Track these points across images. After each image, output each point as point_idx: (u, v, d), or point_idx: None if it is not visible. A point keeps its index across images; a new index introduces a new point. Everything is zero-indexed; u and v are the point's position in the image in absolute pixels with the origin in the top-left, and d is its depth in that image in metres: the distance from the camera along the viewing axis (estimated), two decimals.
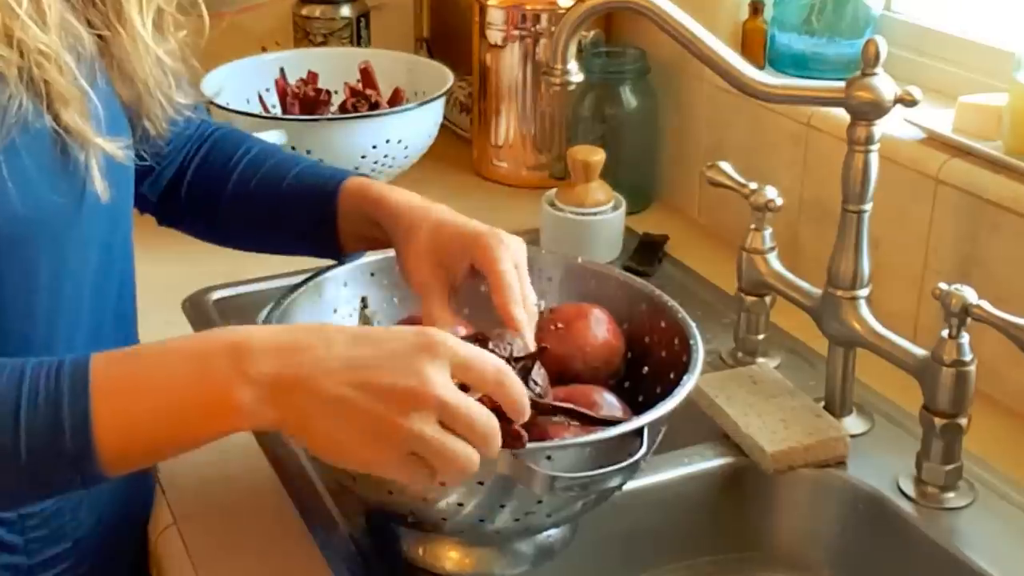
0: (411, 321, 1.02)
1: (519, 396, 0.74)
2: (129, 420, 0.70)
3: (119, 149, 0.81)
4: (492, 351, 0.80)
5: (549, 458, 0.80)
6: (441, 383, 0.70)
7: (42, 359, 0.71)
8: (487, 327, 1.04)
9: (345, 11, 1.84)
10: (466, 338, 0.80)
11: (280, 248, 1.07)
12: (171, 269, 1.31)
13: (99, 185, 0.80)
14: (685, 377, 0.89)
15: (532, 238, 1.42)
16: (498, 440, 0.73)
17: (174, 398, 0.70)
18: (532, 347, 0.87)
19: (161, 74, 0.87)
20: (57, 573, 0.90)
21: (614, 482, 0.83)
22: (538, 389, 0.84)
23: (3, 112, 0.73)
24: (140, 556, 1.00)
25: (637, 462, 0.82)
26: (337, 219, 1.00)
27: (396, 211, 0.96)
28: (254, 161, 1.04)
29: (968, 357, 0.96)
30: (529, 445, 0.82)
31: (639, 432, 0.83)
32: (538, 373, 0.85)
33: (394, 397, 0.69)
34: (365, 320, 1.02)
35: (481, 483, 0.81)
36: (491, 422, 0.72)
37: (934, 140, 1.19)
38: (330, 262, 1.02)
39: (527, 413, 0.75)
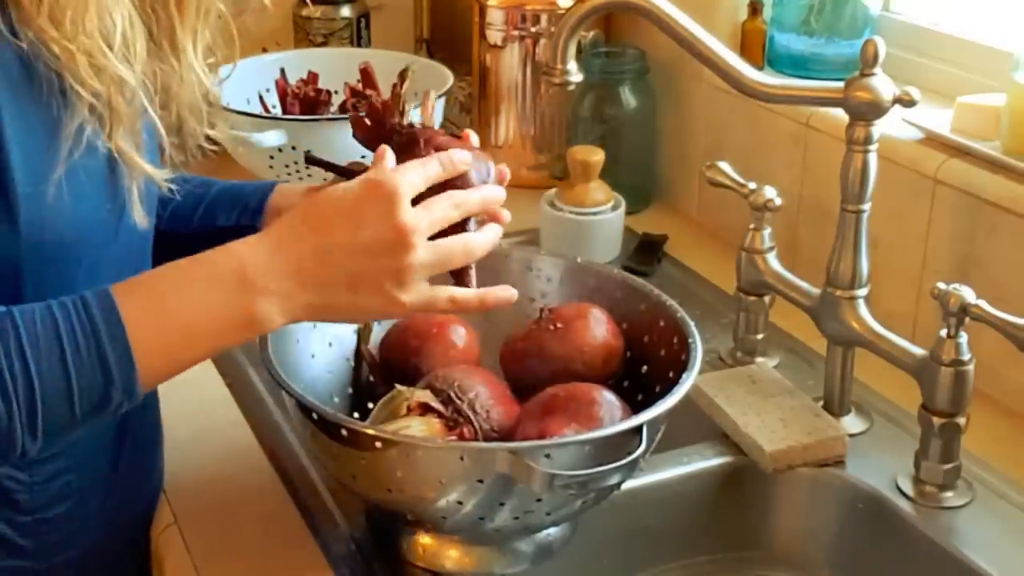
0: (411, 321, 1.02)
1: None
2: (162, 344, 0.77)
3: (164, 180, 0.85)
4: (454, 401, 0.88)
5: (548, 456, 0.80)
6: (412, 216, 0.80)
7: (62, 300, 0.75)
8: (485, 326, 1.04)
9: (345, 11, 1.84)
10: (427, 398, 0.88)
11: None
12: None
13: (137, 212, 0.83)
14: (684, 376, 0.89)
15: (532, 238, 1.42)
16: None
17: (202, 321, 0.78)
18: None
19: (201, 102, 0.88)
20: None
21: (613, 480, 0.83)
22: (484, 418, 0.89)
23: (76, 135, 0.76)
24: (146, 559, 1.00)
25: (636, 460, 0.83)
26: (262, 218, 1.01)
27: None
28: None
29: (966, 356, 0.96)
30: (528, 443, 0.83)
31: (638, 430, 0.84)
32: (486, 402, 0.89)
33: (383, 249, 0.79)
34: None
35: (480, 481, 0.81)
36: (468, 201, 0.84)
37: (932, 140, 1.19)
38: None
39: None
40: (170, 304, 0.77)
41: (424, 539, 0.93)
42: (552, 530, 0.94)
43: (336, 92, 1.60)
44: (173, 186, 0.87)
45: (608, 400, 0.90)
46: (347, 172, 0.89)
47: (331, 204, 0.81)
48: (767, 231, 1.15)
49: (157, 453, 1.00)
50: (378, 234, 0.79)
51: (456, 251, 0.83)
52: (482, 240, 0.85)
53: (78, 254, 0.81)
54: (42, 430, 0.73)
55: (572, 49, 1.12)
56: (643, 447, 0.83)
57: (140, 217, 0.83)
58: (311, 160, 0.95)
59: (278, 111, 1.59)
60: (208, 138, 0.93)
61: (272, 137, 1.42)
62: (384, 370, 1.01)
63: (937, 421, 0.98)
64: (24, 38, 0.74)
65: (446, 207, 0.83)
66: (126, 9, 0.78)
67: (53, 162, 0.76)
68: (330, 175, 0.95)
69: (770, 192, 1.15)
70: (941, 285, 0.96)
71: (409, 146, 0.87)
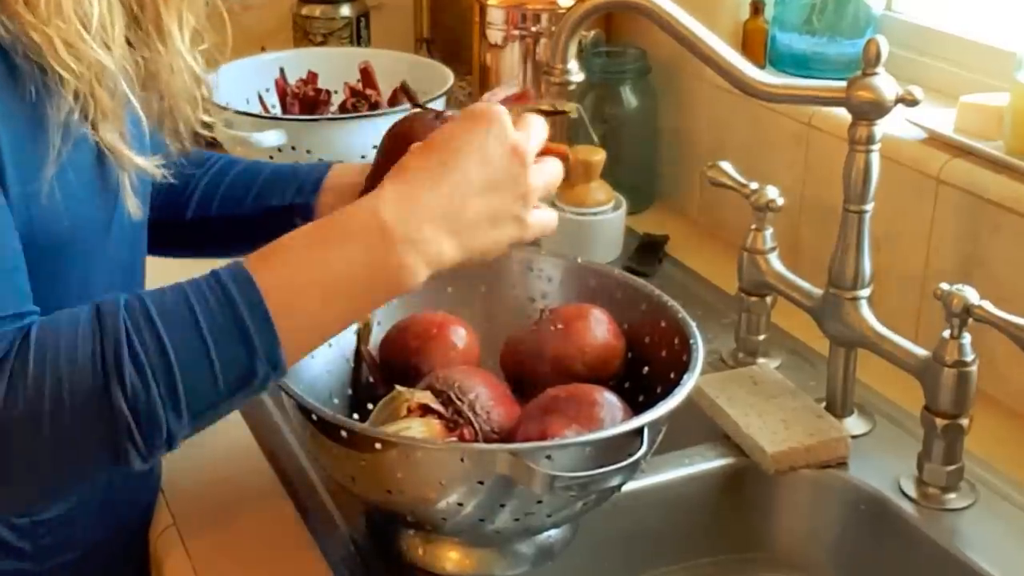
0: (411, 321, 1.02)
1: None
2: (304, 312, 0.75)
3: (155, 168, 0.84)
4: (455, 402, 0.88)
5: (549, 458, 0.80)
6: (521, 136, 0.81)
7: (192, 278, 0.74)
8: (485, 327, 1.04)
9: (345, 11, 1.83)
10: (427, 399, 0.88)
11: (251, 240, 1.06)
12: (171, 269, 1.30)
13: (131, 203, 0.82)
14: (685, 377, 0.89)
15: None
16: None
17: (344, 281, 0.76)
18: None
19: (193, 88, 0.88)
20: None
21: (614, 482, 0.83)
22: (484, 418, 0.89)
23: (62, 127, 0.75)
24: (145, 561, 1.00)
25: (637, 462, 0.82)
26: (318, 196, 1.01)
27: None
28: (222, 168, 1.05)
29: (970, 357, 0.96)
30: (529, 445, 0.82)
31: (639, 432, 0.83)
32: (487, 404, 0.89)
33: (512, 174, 0.80)
34: (364, 321, 1.02)
35: (481, 483, 0.81)
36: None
37: (935, 140, 1.18)
38: None
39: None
40: (307, 266, 0.75)
41: (424, 541, 0.93)
42: (553, 532, 0.94)
43: (336, 92, 1.60)
44: (167, 171, 0.85)
45: (609, 401, 0.90)
46: (429, 110, 0.93)
47: (450, 141, 0.80)
48: (769, 231, 1.15)
49: None
50: (502, 160, 0.80)
51: (555, 170, 0.86)
52: (560, 166, 0.87)
53: (72, 250, 0.80)
54: (187, 407, 0.71)
55: (573, 49, 1.11)
56: (644, 448, 0.82)
57: (134, 208, 0.82)
58: (405, 89, 0.99)
59: (278, 111, 1.58)
60: (203, 124, 0.93)
61: (272, 137, 1.41)
62: (384, 371, 1.01)
63: (940, 422, 0.97)
64: (1, 29, 0.73)
65: (537, 127, 0.85)
66: None
67: (42, 160, 0.75)
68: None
69: (772, 192, 1.14)
70: (944, 286, 0.95)
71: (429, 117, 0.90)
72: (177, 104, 0.87)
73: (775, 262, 1.15)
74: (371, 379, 1.01)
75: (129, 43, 0.83)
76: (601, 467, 0.81)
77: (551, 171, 0.85)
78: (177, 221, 1.04)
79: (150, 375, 0.70)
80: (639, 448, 0.82)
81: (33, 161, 0.75)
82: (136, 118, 0.84)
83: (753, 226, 1.15)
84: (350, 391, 1.01)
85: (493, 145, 0.80)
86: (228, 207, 1.02)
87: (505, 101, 0.88)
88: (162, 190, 0.93)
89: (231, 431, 1.09)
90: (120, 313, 0.71)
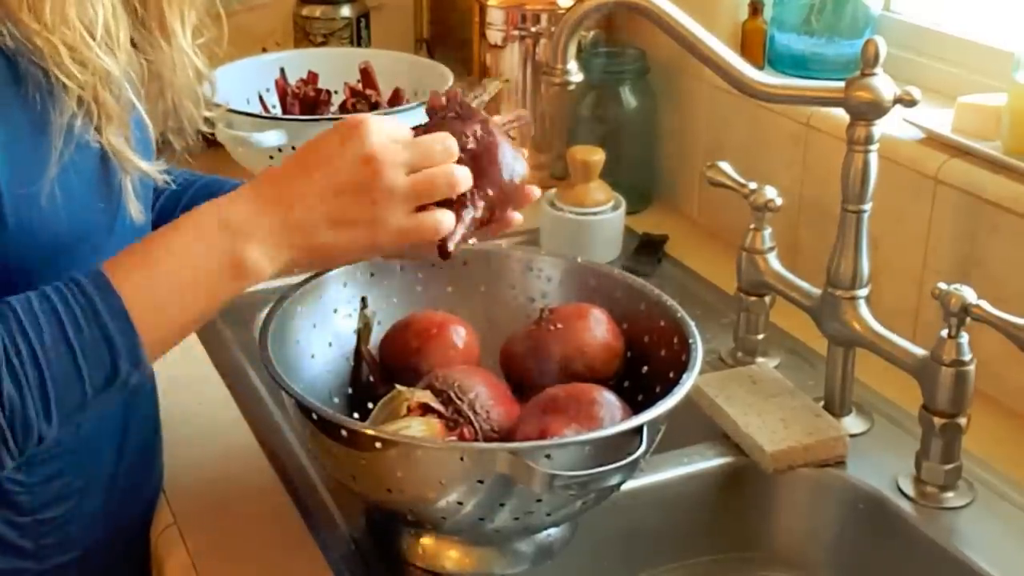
0: (411, 321, 1.02)
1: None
2: (160, 308, 0.78)
3: (158, 172, 0.85)
4: (455, 402, 0.88)
5: (548, 457, 0.80)
6: (381, 146, 0.81)
7: (54, 284, 0.76)
8: (485, 327, 1.04)
9: (345, 11, 1.84)
10: (427, 399, 0.88)
11: None
12: None
13: (134, 207, 0.83)
14: (684, 376, 0.89)
15: (532, 238, 1.42)
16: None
17: (192, 275, 0.79)
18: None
19: (196, 85, 0.88)
20: None
21: (613, 480, 0.83)
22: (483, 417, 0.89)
23: (65, 130, 0.76)
24: (146, 561, 1.00)
25: (636, 460, 0.82)
26: None
27: None
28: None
29: (967, 357, 0.96)
30: (528, 444, 0.82)
31: (638, 431, 0.83)
32: (486, 403, 0.89)
33: (357, 187, 0.81)
34: (365, 320, 1.02)
35: (481, 482, 0.81)
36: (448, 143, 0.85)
37: (933, 140, 1.19)
38: None
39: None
40: (159, 264, 0.78)
41: (424, 539, 0.93)
42: (552, 531, 0.94)
43: (336, 92, 1.60)
44: (168, 177, 0.87)
45: (608, 400, 0.90)
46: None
47: (306, 148, 0.83)
48: (768, 231, 1.15)
49: (157, 453, 1.00)
50: (348, 166, 0.81)
51: (439, 179, 0.84)
52: (466, 173, 0.86)
53: (74, 254, 0.81)
54: (56, 413, 0.74)
55: (572, 49, 1.12)
56: (643, 447, 0.83)
57: (136, 212, 0.83)
58: None
59: (278, 111, 1.59)
60: (206, 121, 0.93)
61: (272, 137, 1.41)
62: (384, 370, 1.01)
63: (938, 421, 0.98)
64: (6, 34, 0.73)
65: (431, 144, 0.84)
66: None
67: (43, 163, 0.75)
68: None
69: (771, 192, 1.14)
70: (942, 285, 0.95)
71: (453, 121, 0.90)
72: (181, 101, 0.88)
73: (774, 262, 1.15)
74: (371, 378, 1.01)
75: (133, 43, 0.83)
76: (600, 466, 0.81)
77: (436, 177, 0.84)
78: None
79: (25, 387, 0.72)
80: (638, 447, 0.82)
81: (33, 163, 0.75)
82: (141, 122, 0.84)
83: (752, 226, 1.16)
84: (350, 390, 1.02)
85: (345, 153, 0.81)
86: (158, 218, 1.01)
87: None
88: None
89: (231, 430, 1.09)
90: None
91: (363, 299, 1.03)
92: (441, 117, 0.91)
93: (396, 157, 0.82)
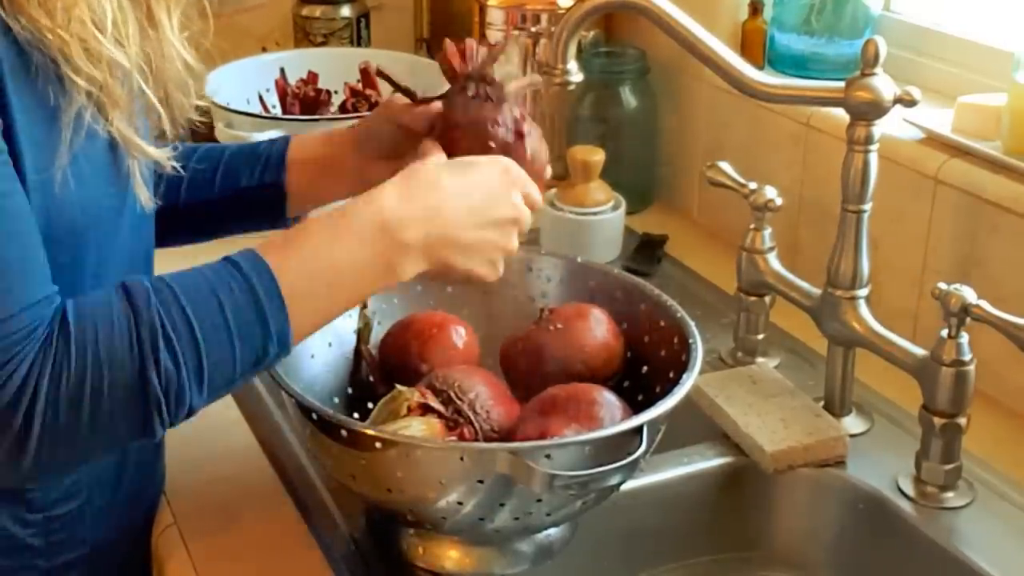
0: (411, 321, 1.02)
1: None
2: (312, 296, 0.81)
3: (166, 159, 0.86)
4: (455, 402, 0.89)
5: (548, 457, 0.80)
6: (527, 193, 0.91)
7: (210, 264, 0.79)
8: (485, 327, 1.04)
9: (345, 11, 1.84)
10: (427, 399, 0.90)
11: (221, 223, 1.08)
12: (171, 269, 1.31)
13: (142, 193, 0.84)
14: (684, 376, 0.89)
15: (532, 238, 1.42)
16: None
17: (348, 272, 0.82)
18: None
19: (185, 75, 0.88)
20: None
21: (613, 480, 0.83)
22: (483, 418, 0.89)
23: (75, 118, 0.77)
24: (150, 557, 1.00)
25: (636, 460, 0.82)
26: (285, 173, 1.03)
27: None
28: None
29: (967, 357, 0.96)
30: (528, 444, 0.82)
31: (638, 431, 0.83)
32: (486, 403, 0.90)
33: (505, 226, 0.89)
34: (364, 320, 1.02)
35: (481, 482, 0.81)
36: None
37: (933, 140, 1.19)
38: None
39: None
40: (316, 255, 0.81)
41: (424, 540, 0.93)
42: (552, 531, 0.94)
43: (336, 92, 1.60)
44: (176, 163, 0.88)
45: (608, 400, 0.90)
46: (409, 92, 1.00)
47: (468, 169, 0.88)
48: (767, 231, 1.15)
49: (159, 451, 1.00)
50: (506, 205, 0.88)
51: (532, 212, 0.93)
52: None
53: (87, 240, 0.81)
54: (208, 384, 0.77)
55: (572, 49, 1.12)
56: (643, 447, 0.83)
57: (145, 198, 0.84)
58: (380, 74, 1.06)
59: (278, 111, 1.59)
60: (199, 110, 0.93)
61: (272, 137, 1.41)
62: (384, 370, 1.01)
63: (938, 421, 0.98)
64: (18, 26, 0.74)
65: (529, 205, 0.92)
66: None
67: (56, 150, 0.76)
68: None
69: (771, 192, 1.14)
70: (942, 285, 0.95)
71: (483, 104, 0.94)
72: (171, 91, 0.88)
73: (774, 262, 1.15)
74: (371, 378, 1.01)
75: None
76: (600, 466, 0.81)
77: (529, 215, 0.91)
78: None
79: (181, 357, 0.75)
80: (638, 447, 0.82)
81: (48, 150, 0.76)
82: (147, 110, 0.85)
83: (752, 226, 1.16)
84: (350, 390, 1.02)
85: (507, 191, 0.88)
86: (196, 193, 1.03)
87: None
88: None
89: (232, 430, 1.09)
90: (151, 298, 0.76)
91: None
92: (470, 95, 0.94)
93: (526, 214, 0.90)
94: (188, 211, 1.03)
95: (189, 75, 0.89)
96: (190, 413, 0.78)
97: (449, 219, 0.85)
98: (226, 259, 0.80)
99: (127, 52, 0.79)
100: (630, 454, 0.82)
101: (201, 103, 0.94)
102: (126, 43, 0.79)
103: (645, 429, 0.84)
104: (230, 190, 1.04)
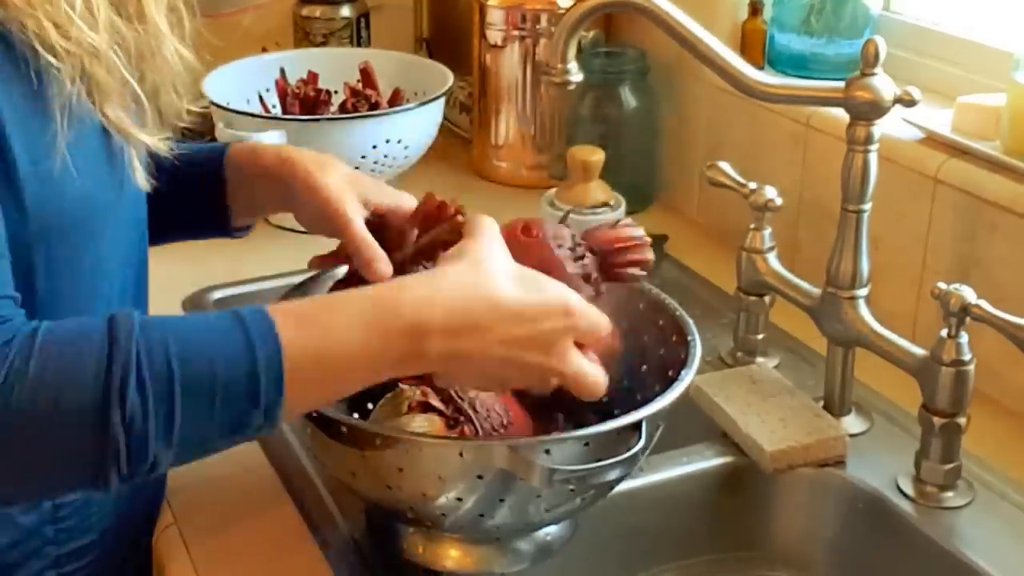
0: None
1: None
2: (313, 388, 0.76)
3: (160, 141, 0.85)
4: (455, 400, 0.88)
5: (548, 452, 0.80)
6: (568, 360, 0.80)
7: (219, 314, 0.74)
8: None
9: (345, 11, 1.84)
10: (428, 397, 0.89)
11: (165, 232, 1.02)
12: (171, 268, 1.30)
13: (140, 176, 0.83)
14: (683, 372, 0.89)
15: None
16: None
17: (360, 369, 0.77)
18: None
19: (177, 73, 0.88)
20: (83, 564, 0.91)
21: (612, 475, 0.83)
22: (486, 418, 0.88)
23: (62, 111, 0.76)
24: (149, 556, 1.00)
25: (635, 455, 0.82)
26: (225, 185, 1.00)
27: (301, 157, 0.99)
28: None
29: (967, 356, 0.96)
30: (527, 439, 0.83)
31: (637, 427, 0.84)
32: (487, 401, 0.89)
33: (534, 373, 0.80)
34: None
35: (480, 477, 0.81)
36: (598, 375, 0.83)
37: (933, 140, 1.19)
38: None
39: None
40: (335, 342, 0.75)
41: (424, 539, 0.93)
42: (552, 529, 0.94)
43: (336, 92, 1.60)
44: (171, 144, 0.86)
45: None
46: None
47: (531, 296, 0.79)
48: (767, 231, 1.15)
49: None
50: (540, 359, 0.79)
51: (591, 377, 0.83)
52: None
53: (83, 228, 0.81)
54: (178, 441, 0.71)
55: (572, 49, 1.12)
56: (642, 443, 0.83)
57: (143, 182, 0.84)
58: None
59: (278, 111, 1.59)
60: (193, 113, 0.93)
61: (272, 137, 1.42)
62: None
63: (938, 421, 0.98)
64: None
65: (598, 329, 0.83)
66: None
67: (49, 140, 0.76)
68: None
69: (770, 192, 1.15)
70: (942, 285, 0.95)
71: (575, 265, 0.89)
72: (160, 87, 0.87)
73: (773, 262, 1.16)
74: None
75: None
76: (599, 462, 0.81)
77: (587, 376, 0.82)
78: None
79: (151, 405, 0.69)
80: (637, 442, 0.83)
81: (41, 141, 0.76)
82: (138, 97, 0.85)
83: (752, 226, 1.16)
84: None
85: (556, 333, 0.79)
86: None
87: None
88: None
89: None
90: (135, 333, 0.70)
91: None
92: (567, 256, 0.88)
93: (569, 366, 0.80)
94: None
95: (186, 73, 0.89)
96: (154, 468, 0.71)
97: (481, 344, 0.77)
98: (234, 312, 0.74)
99: (100, 35, 0.78)
100: (629, 450, 0.82)
101: (194, 108, 0.93)
102: (98, 26, 0.78)
103: (644, 425, 0.84)
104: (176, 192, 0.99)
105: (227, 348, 0.72)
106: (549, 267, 0.85)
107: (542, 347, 0.79)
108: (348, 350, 0.75)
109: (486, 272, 0.79)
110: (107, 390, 0.68)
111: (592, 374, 0.81)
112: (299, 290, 0.98)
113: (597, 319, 0.82)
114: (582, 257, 0.89)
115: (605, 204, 1.39)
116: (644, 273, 0.94)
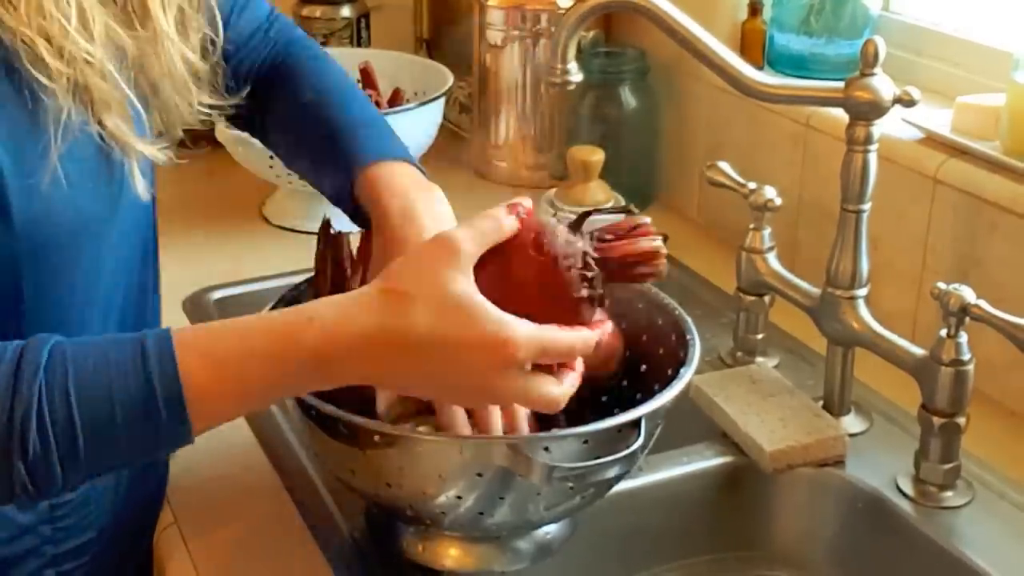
0: None
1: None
2: (219, 415, 0.75)
3: (159, 151, 0.83)
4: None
5: (547, 449, 0.81)
6: (505, 390, 0.75)
7: (120, 340, 0.73)
8: None
9: (345, 11, 1.84)
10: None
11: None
12: (171, 269, 1.30)
13: (140, 186, 0.82)
14: (682, 371, 0.89)
15: None
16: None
17: (275, 389, 0.77)
18: None
19: (183, 72, 0.87)
20: (82, 563, 0.91)
21: (611, 473, 0.83)
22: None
23: (56, 124, 0.75)
24: (149, 555, 1.00)
25: (635, 453, 0.82)
26: (356, 200, 0.98)
27: (385, 218, 0.95)
28: (306, 106, 1.05)
29: (966, 356, 0.96)
30: (526, 436, 0.83)
31: (636, 424, 0.84)
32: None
33: (470, 400, 0.81)
34: None
35: (480, 475, 0.81)
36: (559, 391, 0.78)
37: (932, 140, 1.19)
38: None
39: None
40: (243, 368, 0.74)
41: (424, 538, 0.93)
42: (552, 528, 0.95)
43: None
44: (171, 153, 0.85)
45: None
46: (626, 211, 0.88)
47: (428, 343, 0.74)
48: (767, 231, 1.15)
49: None
50: (476, 379, 0.75)
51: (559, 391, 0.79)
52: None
53: (78, 239, 0.80)
54: (85, 466, 0.72)
55: (572, 49, 1.12)
56: (641, 441, 0.83)
57: (142, 191, 0.83)
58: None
59: None
60: (200, 120, 0.93)
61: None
62: None
63: (937, 421, 0.98)
64: None
65: (567, 349, 0.78)
66: None
67: (43, 154, 0.75)
68: None
69: (770, 192, 1.15)
70: (941, 285, 0.96)
71: (587, 306, 0.81)
72: (162, 88, 0.87)
73: (773, 261, 1.16)
74: None
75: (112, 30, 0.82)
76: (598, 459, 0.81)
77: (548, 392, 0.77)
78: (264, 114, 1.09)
79: (53, 443, 0.70)
80: (636, 440, 0.83)
81: (34, 154, 0.75)
82: (136, 105, 0.84)
83: (751, 226, 1.16)
84: None
85: (487, 375, 0.75)
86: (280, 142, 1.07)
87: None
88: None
89: (232, 430, 1.08)
90: (39, 375, 0.70)
91: None
92: (575, 278, 0.80)
93: (526, 364, 0.76)
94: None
95: (193, 76, 0.88)
96: (66, 489, 0.73)
97: (392, 378, 0.77)
98: (142, 341, 0.73)
99: (94, 46, 0.77)
100: (628, 447, 0.82)
101: (204, 108, 0.93)
102: (95, 37, 0.77)
103: (643, 423, 0.84)
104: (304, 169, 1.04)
105: (127, 386, 0.71)
106: (552, 291, 0.80)
107: (466, 378, 0.75)
108: (252, 378, 0.74)
109: (407, 300, 0.74)
110: (8, 436, 0.69)
111: (540, 394, 0.76)
112: (298, 289, 0.98)
113: (559, 345, 0.76)
114: (592, 280, 0.81)
115: (605, 204, 1.40)
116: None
